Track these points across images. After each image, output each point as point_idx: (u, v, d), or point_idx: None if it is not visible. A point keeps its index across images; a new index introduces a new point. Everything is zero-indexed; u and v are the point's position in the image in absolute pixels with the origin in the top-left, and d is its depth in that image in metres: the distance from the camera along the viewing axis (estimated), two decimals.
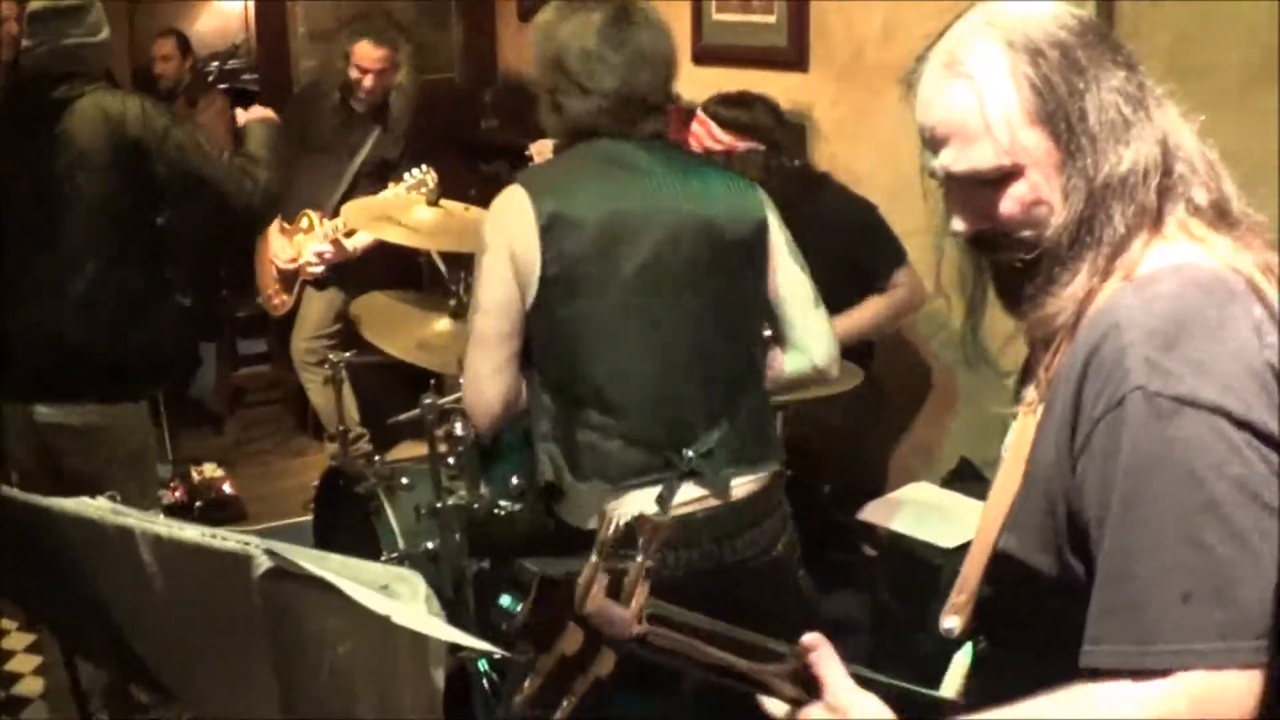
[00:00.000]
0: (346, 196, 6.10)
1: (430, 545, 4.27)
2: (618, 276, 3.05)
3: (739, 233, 3.16)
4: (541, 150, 5.92)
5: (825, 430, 4.67)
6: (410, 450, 5.85)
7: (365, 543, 4.40)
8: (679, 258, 3.09)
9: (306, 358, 6.51)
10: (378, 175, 6.27)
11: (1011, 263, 1.86)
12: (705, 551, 3.11)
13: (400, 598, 2.19)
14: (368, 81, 6.34)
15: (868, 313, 4.77)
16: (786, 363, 3.30)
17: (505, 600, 1.65)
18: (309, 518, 5.21)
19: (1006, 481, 1.88)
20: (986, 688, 1.77)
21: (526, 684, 1.62)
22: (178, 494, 6.30)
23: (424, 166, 5.45)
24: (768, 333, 3.31)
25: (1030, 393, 1.90)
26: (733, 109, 4.64)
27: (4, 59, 4.17)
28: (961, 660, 2.06)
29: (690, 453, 3.09)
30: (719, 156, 4.56)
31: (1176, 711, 1.58)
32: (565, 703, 1.63)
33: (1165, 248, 1.77)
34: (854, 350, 4.61)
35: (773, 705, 1.78)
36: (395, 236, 4.84)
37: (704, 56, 6.23)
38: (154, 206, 4.28)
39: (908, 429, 5.55)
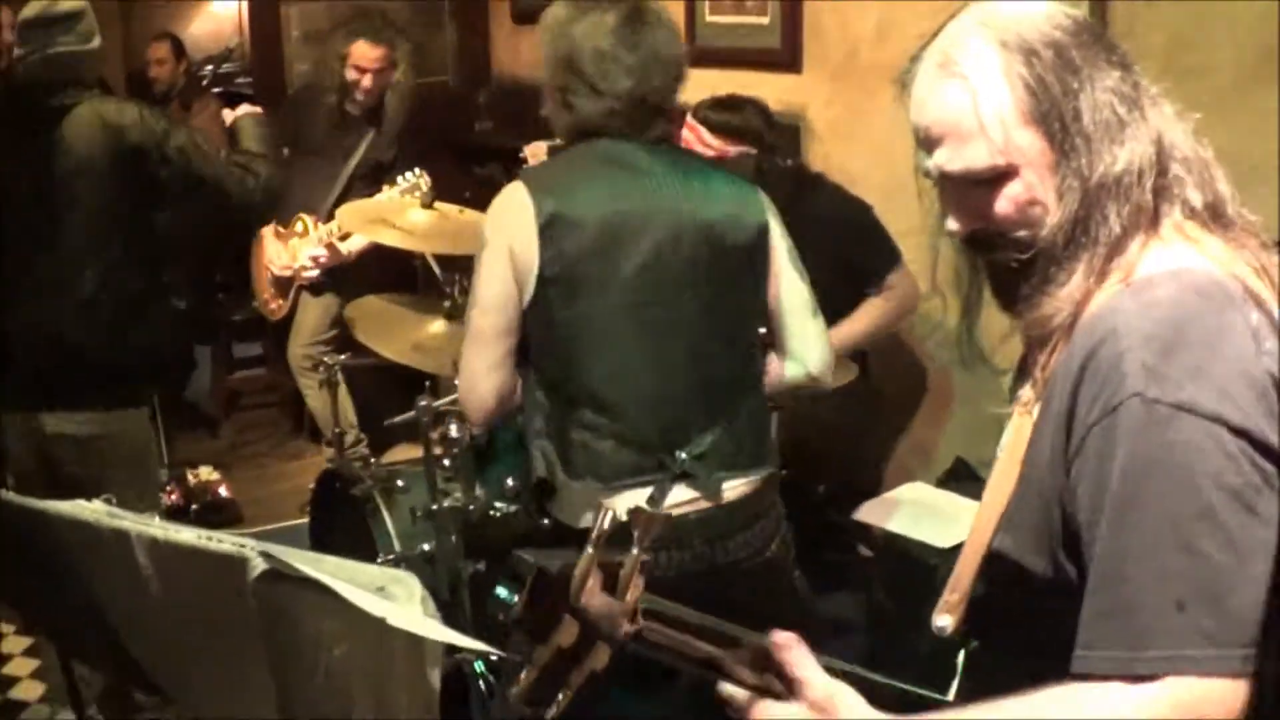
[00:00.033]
0: (341, 200, 6.09)
1: (426, 547, 4.27)
2: (616, 277, 3.05)
3: (739, 236, 3.16)
4: (535, 152, 5.94)
5: (821, 430, 4.67)
6: (406, 453, 5.85)
7: (361, 545, 4.39)
8: (678, 259, 3.08)
9: (303, 363, 6.50)
10: (372, 178, 6.26)
11: (1007, 262, 1.85)
12: (697, 553, 3.10)
13: (396, 599, 2.19)
14: (366, 81, 6.33)
15: (864, 319, 4.76)
16: (783, 370, 3.30)
17: (501, 591, 1.65)
18: (305, 520, 5.21)
19: (1001, 482, 1.88)
20: (978, 688, 1.77)
21: (522, 676, 1.62)
22: (174, 497, 6.30)
23: (417, 170, 5.46)
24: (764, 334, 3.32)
25: (1026, 393, 1.90)
26: (722, 113, 4.63)
27: None
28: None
29: (683, 454, 3.09)
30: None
31: (1164, 716, 1.58)
32: (560, 696, 1.63)
33: (1162, 250, 1.77)
34: None
35: (733, 689, 1.77)
36: (390, 239, 4.84)
37: (698, 58, 6.18)
38: (152, 210, 4.29)
39: (904, 429, 5.56)
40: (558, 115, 3.21)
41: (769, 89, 5.26)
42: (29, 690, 4.86)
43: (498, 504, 4.00)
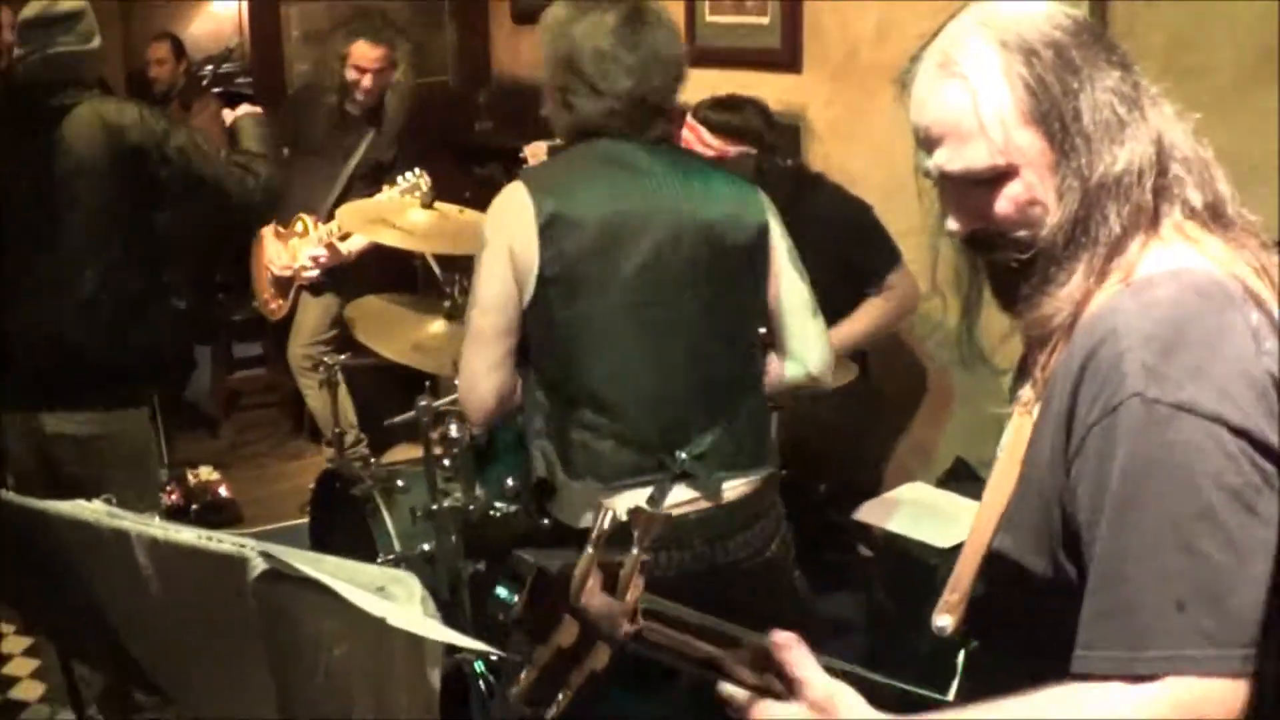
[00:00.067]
0: (341, 200, 6.09)
1: (426, 547, 4.27)
2: (616, 277, 3.05)
3: (740, 237, 3.15)
4: (535, 152, 5.94)
5: (821, 430, 4.67)
6: (406, 453, 5.85)
7: (361, 545, 4.39)
8: (678, 260, 3.08)
9: (303, 363, 6.50)
10: (372, 178, 6.26)
11: (1007, 262, 1.85)
12: (697, 553, 3.10)
13: (396, 599, 2.19)
14: (366, 81, 6.33)
15: (865, 319, 4.76)
16: (783, 370, 3.30)
17: (502, 591, 1.66)
18: (305, 520, 5.21)
19: (1001, 481, 1.88)
20: (978, 688, 1.77)
21: (522, 676, 1.62)
22: (174, 497, 6.30)
23: (417, 170, 5.46)
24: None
25: (1026, 392, 1.90)
26: (722, 113, 4.62)
27: None
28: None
29: (683, 454, 3.09)
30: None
31: (1163, 716, 1.58)
32: (560, 696, 1.63)
33: (1162, 250, 1.76)
34: None
35: (733, 689, 1.78)
36: (390, 239, 4.84)
37: (697, 58, 6.18)
38: (152, 210, 4.29)
39: (904, 429, 5.56)
40: (557, 115, 3.21)
41: (769, 89, 5.26)
42: (29, 690, 4.86)
43: (498, 504, 4.00)
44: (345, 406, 6.13)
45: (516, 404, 3.22)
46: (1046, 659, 1.66)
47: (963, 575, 1.93)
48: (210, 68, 7.43)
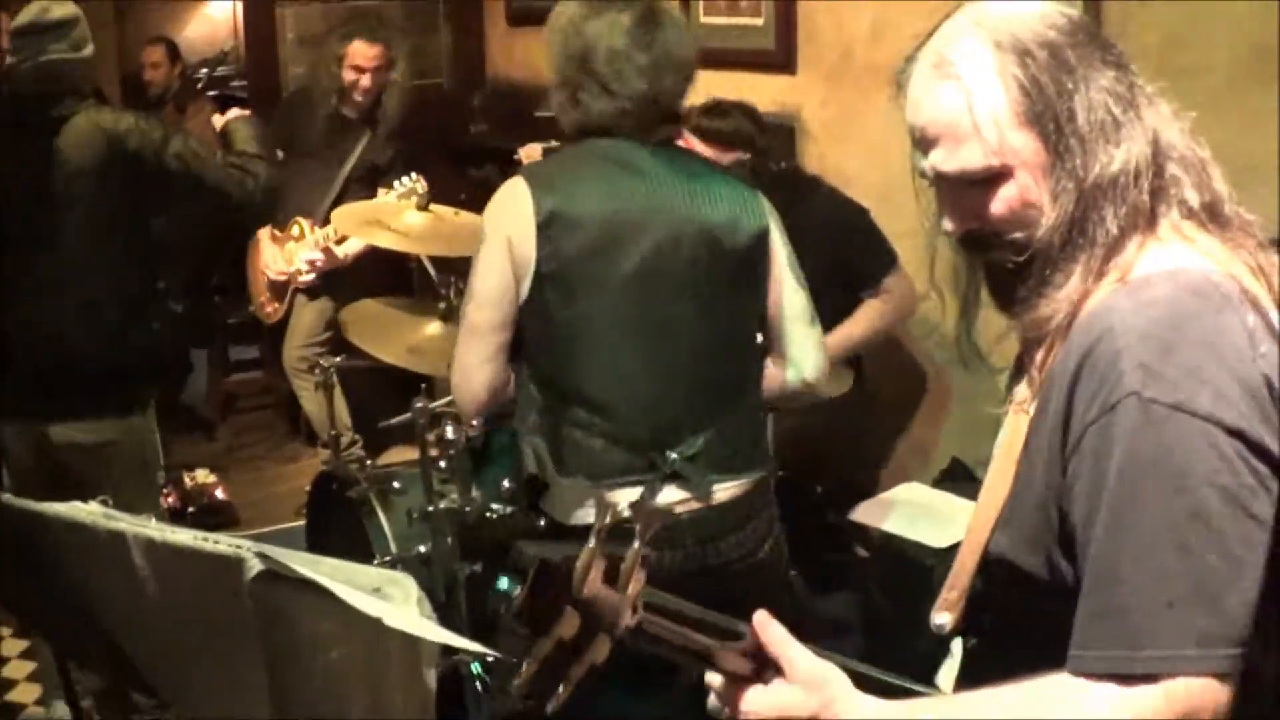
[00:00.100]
0: (337, 203, 6.09)
1: (422, 549, 4.28)
2: (614, 277, 3.05)
3: (739, 241, 3.15)
4: (530, 154, 5.94)
5: (818, 431, 4.67)
6: (402, 454, 5.86)
7: (358, 547, 4.40)
8: (677, 261, 3.09)
9: (299, 365, 6.50)
10: (367, 181, 6.26)
11: (1004, 263, 1.85)
12: (689, 553, 3.11)
13: (392, 600, 2.19)
14: (365, 81, 6.33)
15: (862, 322, 4.76)
16: (777, 376, 3.30)
17: (503, 583, 1.67)
18: (301, 523, 5.21)
19: (997, 480, 1.89)
20: (976, 685, 1.77)
21: (523, 668, 1.62)
22: (170, 500, 6.29)
23: (414, 175, 5.45)
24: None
25: (1022, 391, 1.90)
26: (711, 120, 4.57)
27: None
28: (958, 652, 2.07)
29: (674, 455, 3.09)
30: None
31: (1157, 716, 1.59)
32: (561, 689, 1.63)
33: (1159, 250, 1.76)
34: None
35: (714, 676, 1.79)
36: (385, 241, 4.85)
37: None
38: (151, 215, 4.29)
39: (900, 430, 5.55)
40: (564, 112, 3.20)
41: (763, 90, 5.27)
42: (25, 693, 4.87)
43: (494, 505, 4.00)
44: (341, 409, 6.14)
45: (509, 398, 3.23)
46: (1044, 656, 1.67)
47: (961, 573, 1.93)
48: (205, 71, 7.43)
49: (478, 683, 3.94)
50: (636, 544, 1.66)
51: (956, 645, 2.08)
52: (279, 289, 6.55)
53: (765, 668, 1.73)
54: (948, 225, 1.90)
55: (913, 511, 4.48)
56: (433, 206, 4.89)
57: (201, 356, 7.80)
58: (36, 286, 4.11)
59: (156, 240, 4.37)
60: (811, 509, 4.67)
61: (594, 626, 1.61)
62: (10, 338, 4.14)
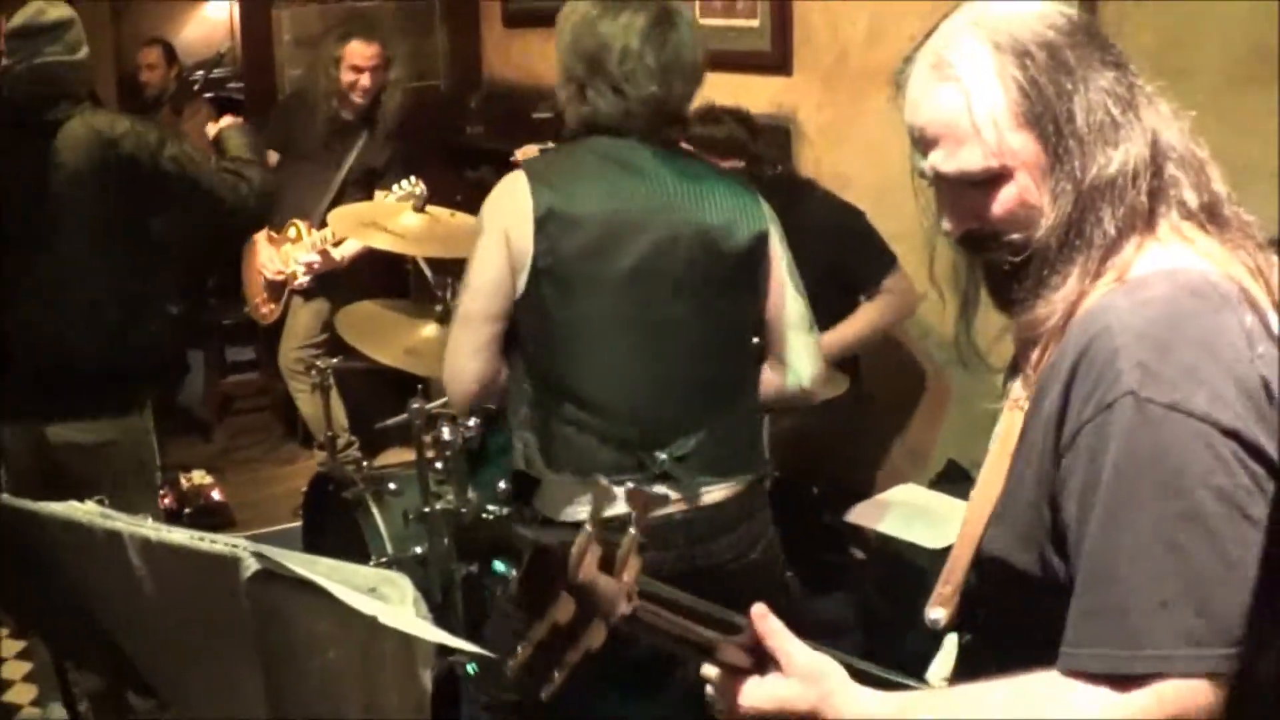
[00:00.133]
0: (333, 205, 6.09)
1: (418, 550, 4.28)
2: (610, 276, 3.06)
3: (737, 244, 3.14)
4: (527, 156, 5.92)
5: (814, 432, 4.67)
6: (398, 456, 5.86)
7: (354, 548, 4.40)
8: (674, 263, 3.08)
9: (295, 367, 6.50)
10: (364, 183, 6.27)
11: (1002, 263, 1.85)
12: (680, 554, 3.10)
13: (388, 600, 2.19)
14: (363, 81, 6.33)
15: (862, 320, 4.76)
16: (772, 380, 3.30)
17: (500, 566, 1.67)
18: (298, 524, 5.21)
19: (991, 476, 1.89)
20: (972, 679, 1.77)
21: (519, 650, 1.62)
22: (166, 501, 6.29)
23: (413, 179, 5.46)
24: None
25: (1018, 388, 1.90)
26: (704, 126, 4.55)
27: None
28: (950, 646, 2.07)
29: (663, 455, 3.09)
30: None
31: (1148, 716, 1.59)
32: (556, 674, 1.63)
33: (1158, 250, 1.76)
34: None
35: (710, 669, 1.79)
36: (381, 243, 4.85)
37: None
38: (147, 218, 4.29)
39: (897, 431, 5.56)
40: (571, 106, 3.18)
41: (759, 92, 5.27)
42: (22, 694, 4.87)
43: (490, 507, 4.00)
44: (337, 410, 6.14)
45: (500, 389, 3.23)
46: (1039, 651, 1.67)
47: (955, 568, 1.93)
48: (201, 73, 7.44)
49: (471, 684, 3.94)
50: (632, 530, 1.66)
51: (947, 640, 2.08)
52: (275, 289, 6.55)
53: (763, 661, 1.74)
54: (947, 226, 1.90)
55: (909, 513, 4.48)
56: (429, 208, 4.89)
57: (198, 358, 7.82)
58: (34, 287, 4.12)
59: (154, 242, 4.37)
60: (808, 510, 4.67)
61: (589, 612, 1.61)
62: (8, 338, 4.15)
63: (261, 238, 6.52)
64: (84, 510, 2.57)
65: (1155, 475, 1.62)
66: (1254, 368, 1.66)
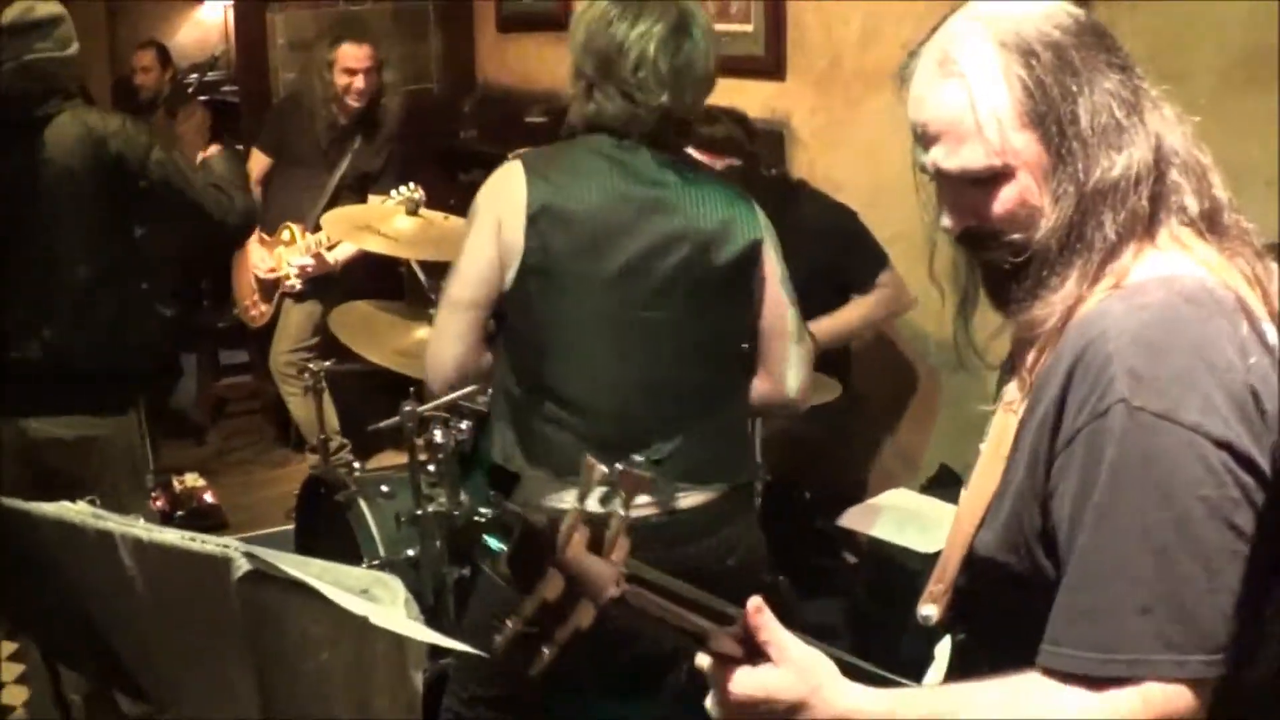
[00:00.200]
0: (328, 209, 6.09)
1: (411, 553, 4.28)
2: (598, 276, 3.05)
3: (730, 251, 3.13)
4: None
5: (806, 436, 4.67)
6: (390, 459, 5.86)
7: (346, 550, 4.39)
8: (664, 267, 3.08)
9: (286, 370, 6.50)
10: (358, 187, 6.27)
11: (1001, 263, 1.85)
12: (657, 557, 3.09)
13: (380, 602, 2.19)
14: (358, 83, 6.32)
15: (854, 312, 4.78)
16: (759, 388, 3.29)
17: (490, 541, 1.66)
18: (290, 527, 5.20)
19: (983, 477, 1.89)
20: (966, 677, 1.78)
21: (509, 624, 1.62)
22: (159, 503, 6.29)
23: (412, 184, 5.45)
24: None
25: (1012, 390, 1.90)
26: (703, 126, 4.55)
27: None
28: (945, 650, 2.07)
29: (640, 459, 3.08)
30: None
31: (1134, 715, 1.60)
32: (545, 650, 1.63)
33: (1156, 256, 1.76)
34: (831, 363, 4.61)
35: (704, 659, 1.79)
36: (375, 246, 4.85)
37: None
38: (133, 219, 4.29)
39: (889, 435, 5.56)
40: (578, 103, 3.16)
41: (753, 96, 5.27)
42: (13, 696, 4.85)
43: (482, 509, 4.00)
44: (329, 413, 6.13)
45: (481, 375, 3.24)
46: (1032, 650, 1.68)
47: (946, 567, 1.94)
48: (195, 75, 7.42)
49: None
50: (621, 511, 1.66)
51: (941, 648, 2.09)
52: (267, 290, 6.55)
53: (755, 653, 1.74)
54: (946, 222, 1.90)
55: (900, 517, 4.47)
56: (423, 211, 4.89)
57: (191, 361, 7.81)
58: (24, 284, 4.11)
59: (144, 242, 4.37)
60: (799, 514, 4.67)
61: (578, 590, 1.61)
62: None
63: (253, 239, 6.51)
64: (76, 510, 2.57)
65: (1145, 484, 1.62)
66: (1246, 377, 1.66)
